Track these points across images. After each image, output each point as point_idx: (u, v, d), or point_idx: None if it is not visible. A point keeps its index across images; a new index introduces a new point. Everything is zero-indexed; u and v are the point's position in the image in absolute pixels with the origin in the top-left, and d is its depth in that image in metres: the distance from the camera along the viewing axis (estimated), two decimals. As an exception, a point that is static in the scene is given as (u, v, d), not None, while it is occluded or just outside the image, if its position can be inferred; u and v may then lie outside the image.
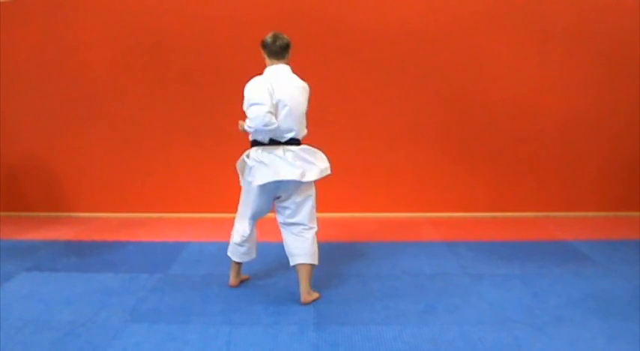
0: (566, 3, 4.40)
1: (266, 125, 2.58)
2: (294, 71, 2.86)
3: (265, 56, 2.80)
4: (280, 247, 3.62)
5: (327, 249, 3.62)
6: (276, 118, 2.65)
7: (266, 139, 2.72)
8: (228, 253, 3.04)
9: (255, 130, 2.66)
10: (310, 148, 2.81)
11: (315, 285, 2.92)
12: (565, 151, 4.60)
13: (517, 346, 2.30)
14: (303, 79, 2.87)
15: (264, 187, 2.75)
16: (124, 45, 4.62)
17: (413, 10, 4.44)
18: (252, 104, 2.62)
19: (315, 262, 2.83)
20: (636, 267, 3.28)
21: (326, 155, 2.90)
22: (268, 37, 2.76)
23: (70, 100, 4.73)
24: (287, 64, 2.81)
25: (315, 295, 2.85)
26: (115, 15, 4.59)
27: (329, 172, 2.82)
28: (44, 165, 4.88)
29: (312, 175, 2.75)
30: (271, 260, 3.44)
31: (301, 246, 2.79)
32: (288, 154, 2.71)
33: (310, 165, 2.76)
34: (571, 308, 2.69)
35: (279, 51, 2.75)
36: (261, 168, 2.72)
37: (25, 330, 2.52)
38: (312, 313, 2.68)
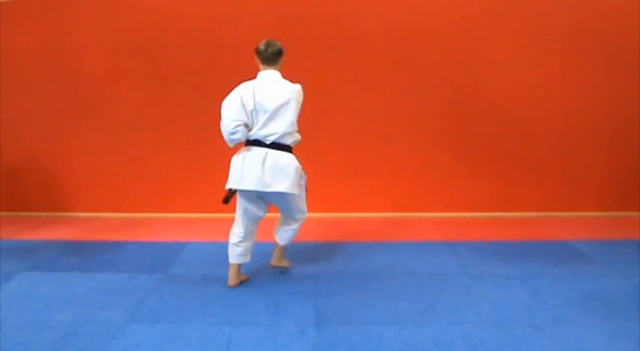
0: (567, 4, 4.39)
1: (231, 134, 2.82)
2: (296, 71, 2.95)
3: (258, 62, 2.93)
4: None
5: (327, 249, 3.63)
6: (255, 122, 2.82)
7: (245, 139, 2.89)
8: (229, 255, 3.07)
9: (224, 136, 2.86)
10: (292, 160, 2.90)
11: (314, 284, 2.94)
12: (565, 151, 4.60)
13: (517, 346, 2.30)
14: (299, 80, 2.95)
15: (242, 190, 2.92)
16: (123, 45, 4.61)
17: (414, 11, 4.43)
18: (224, 110, 2.85)
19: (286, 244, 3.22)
20: (636, 266, 3.28)
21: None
22: (261, 45, 2.89)
23: (70, 100, 4.73)
24: (278, 70, 2.93)
25: (285, 262, 3.28)
26: (114, 16, 4.59)
27: (294, 191, 2.92)
28: (44, 165, 4.88)
29: (282, 187, 2.84)
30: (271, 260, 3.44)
31: (284, 236, 3.19)
32: (269, 159, 2.83)
33: (285, 176, 2.84)
34: (571, 308, 2.70)
35: (270, 57, 2.88)
36: (235, 172, 2.90)
37: (25, 330, 2.52)
38: (312, 313, 2.68)
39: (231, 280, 3.07)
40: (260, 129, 2.82)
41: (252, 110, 2.81)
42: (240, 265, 3.08)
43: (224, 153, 4.52)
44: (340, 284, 3.08)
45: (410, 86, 4.54)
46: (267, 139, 2.83)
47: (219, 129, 2.88)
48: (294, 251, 3.63)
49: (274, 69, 2.91)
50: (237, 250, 3.02)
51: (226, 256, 3.05)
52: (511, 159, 4.61)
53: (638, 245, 3.72)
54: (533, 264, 3.37)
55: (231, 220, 3.05)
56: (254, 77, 2.97)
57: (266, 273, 3.27)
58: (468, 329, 2.46)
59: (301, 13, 4.44)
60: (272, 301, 2.84)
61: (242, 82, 2.94)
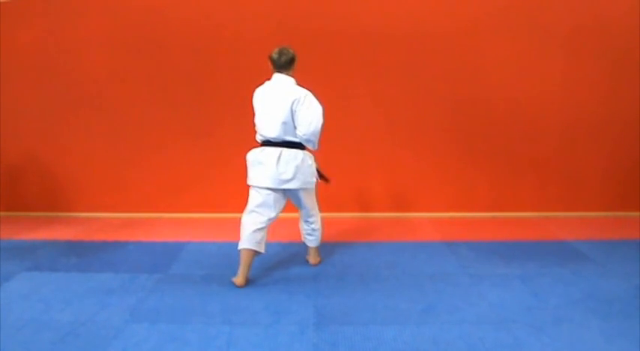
0: (568, 5, 4.39)
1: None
2: (297, 72, 3.06)
3: (272, 69, 3.04)
4: (280, 246, 3.64)
5: (327, 249, 3.63)
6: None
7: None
8: (254, 247, 3.05)
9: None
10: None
11: (314, 284, 2.94)
12: (565, 152, 4.60)
13: (517, 346, 2.30)
14: (299, 81, 3.04)
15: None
16: (124, 45, 4.61)
17: (415, 13, 4.43)
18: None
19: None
20: (636, 267, 3.28)
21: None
22: (274, 53, 3.02)
23: (70, 100, 4.72)
24: (289, 75, 3.04)
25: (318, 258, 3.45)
26: (114, 15, 4.58)
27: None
28: (44, 165, 4.87)
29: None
30: (271, 260, 3.44)
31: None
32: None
33: None
34: (571, 308, 2.69)
35: (283, 65, 3.02)
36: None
37: (25, 330, 2.52)
38: (312, 313, 2.68)
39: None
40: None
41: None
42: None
43: (224, 153, 4.55)
44: (340, 284, 3.08)
45: (411, 87, 4.54)
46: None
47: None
48: (295, 251, 3.63)
49: (286, 74, 3.04)
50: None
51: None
52: (511, 159, 4.61)
53: (638, 245, 3.72)
54: (533, 264, 3.37)
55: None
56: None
57: (266, 273, 3.27)
58: (467, 329, 2.46)
59: (303, 14, 4.44)
60: (272, 301, 2.83)
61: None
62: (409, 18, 4.44)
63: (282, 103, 2.94)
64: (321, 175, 3.23)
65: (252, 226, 3.03)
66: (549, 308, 2.69)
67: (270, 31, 4.36)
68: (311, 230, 3.33)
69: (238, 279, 3.03)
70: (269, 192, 3.02)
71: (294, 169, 2.98)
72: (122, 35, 4.60)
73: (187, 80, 4.61)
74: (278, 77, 3.04)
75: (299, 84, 3.03)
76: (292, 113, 2.94)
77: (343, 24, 4.46)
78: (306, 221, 3.31)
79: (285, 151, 2.98)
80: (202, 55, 4.56)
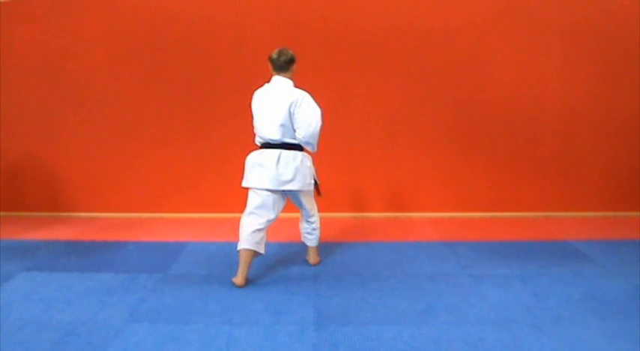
0: (567, 4, 4.40)
1: None
2: (297, 71, 3.06)
3: (271, 70, 3.05)
4: (280, 246, 3.63)
5: (327, 249, 3.63)
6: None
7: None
8: (253, 247, 3.04)
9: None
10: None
11: (314, 284, 2.95)
12: (565, 151, 4.60)
13: (517, 346, 2.30)
14: (299, 80, 3.05)
15: None
16: (123, 45, 4.62)
17: (413, 12, 4.44)
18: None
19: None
20: (636, 266, 3.28)
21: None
22: (274, 53, 3.03)
23: (70, 100, 4.73)
24: (289, 77, 3.05)
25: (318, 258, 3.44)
26: (114, 16, 4.59)
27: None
28: (44, 165, 4.88)
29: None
30: (271, 260, 3.44)
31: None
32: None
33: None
34: (571, 308, 2.69)
35: (283, 65, 3.03)
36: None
37: (25, 330, 2.52)
38: (312, 313, 2.68)
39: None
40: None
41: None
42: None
43: (224, 154, 4.55)
44: (340, 284, 3.07)
45: (410, 86, 4.54)
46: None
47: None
48: (294, 251, 3.63)
49: (284, 76, 3.04)
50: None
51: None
52: (511, 159, 4.62)
53: (638, 245, 3.72)
54: (533, 264, 3.37)
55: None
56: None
57: (266, 273, 3.27)
58: (467, 329, 2.46)
59: (303, 14, 4.45)
60: (272, 301, 2.83)
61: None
62: (407, 18, 4.44)
63: (281, 106, 2.95)
64: (316, 185, 3.23)
65: (252, 227, 3.03)
66: (549, 308, 2.69)
67: (270, 32, 4.37)
68: (311, 229, 3.34)
69: (238, 279, 3.03)
70: (268, 194, 3.03)
71: (293, 170, 2.99)
72: (122, 36, 4.61)
73: (187, 80, 4.61)
74: (276, 80, 3.05)
75: (297, 86, 3.03)
76: (290, 115, 2.95)
77: (342, 24, 4.46)
78: (307, 221, 3.32)
79: (285, 152, 2.99)
80: (202, 56, 4.57)
